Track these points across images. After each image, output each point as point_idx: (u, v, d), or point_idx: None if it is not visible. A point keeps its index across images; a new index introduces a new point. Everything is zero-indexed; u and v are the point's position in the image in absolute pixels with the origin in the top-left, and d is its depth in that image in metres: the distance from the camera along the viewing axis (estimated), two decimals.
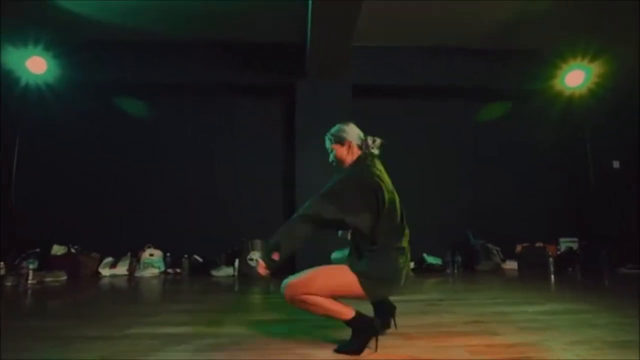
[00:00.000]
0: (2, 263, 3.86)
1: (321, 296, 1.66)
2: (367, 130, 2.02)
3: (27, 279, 4.00)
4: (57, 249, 4.66)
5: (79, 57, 4.72)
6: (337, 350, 1.70)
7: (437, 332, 2.08)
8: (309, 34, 4.32)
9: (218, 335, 2.07)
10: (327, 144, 2.02)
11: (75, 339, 2.04)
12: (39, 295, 3.54)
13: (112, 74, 4.94)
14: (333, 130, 2.00)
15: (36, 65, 4.42)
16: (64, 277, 4.37)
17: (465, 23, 4.67)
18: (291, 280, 1.68)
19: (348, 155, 1.96)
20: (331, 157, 2.00)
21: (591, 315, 2.46)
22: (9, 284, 3.88)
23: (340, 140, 1.97)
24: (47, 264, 4.54)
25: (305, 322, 2.29)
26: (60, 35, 4.59)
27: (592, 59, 4.80)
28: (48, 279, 4.22)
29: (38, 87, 4.61)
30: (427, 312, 2.60)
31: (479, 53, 5.16)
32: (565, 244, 5.23)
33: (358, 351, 1.68)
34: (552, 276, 4.55)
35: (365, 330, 1.74)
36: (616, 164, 5.30)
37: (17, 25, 4.36)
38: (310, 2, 3.61)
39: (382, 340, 1.89)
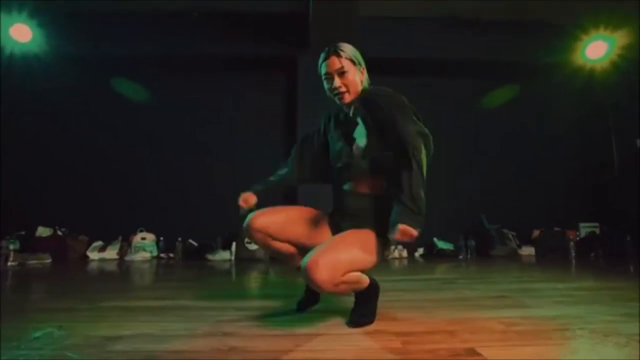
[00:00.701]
0: None
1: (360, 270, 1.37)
2: None
3: (7, 260, 3.72)
4: (42, 231, 4.37)
5: (68, 27, 4.44)
6: (356, 324, 1.39)
7: (460, 306, 1.77)
8: (311, 2, 4.04)
9: (192, 307, 1.77)
10: (336, 63, 1.49)
11: (37, 311, 1.76)
12: (17, 276, 3.25)
13: (103, 46, 4.64)
14: (347, 47, 1.52)
15: (21, 34, 4.14)
16: (48, 260, 4.08)
17: None
18: (326, 257, 1.24)
19: (359, 83, 1.53)
20: (336, 83, 1.49)
21: (630, 291, 2.13)
22: None
23: (358, 62, 1.54)
24: (31, 246, 4.25)
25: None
26: (47, 2, 4.31)
27: (615, 29, 4.45)
28: (31, 262, 3.93)
29: (24, 57, 4.32)
30: (444, 289, 2.28)
31: (492, 25, 4.82)
32: (586, 229, 4.88)
33: (374, 317, 1.44)
34: (574, 261, 4.21)
35: (375, 294, 1.46)
36: None
37: None
38: None
39: (400, 312, 1.59)
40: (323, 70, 1.53)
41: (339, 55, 1.49)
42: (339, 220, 1.53)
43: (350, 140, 1.52)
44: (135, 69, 5.01)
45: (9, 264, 3.73)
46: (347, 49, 1.51)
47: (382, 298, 1.51)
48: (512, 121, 5.25)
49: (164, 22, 4.72)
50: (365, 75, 1.58)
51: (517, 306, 1.76)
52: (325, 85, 1.55)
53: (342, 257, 1.28)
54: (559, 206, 5.13)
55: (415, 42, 4.89)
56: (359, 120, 1.52)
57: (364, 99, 1.53)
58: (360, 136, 1.49)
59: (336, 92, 1.50)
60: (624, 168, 4.88)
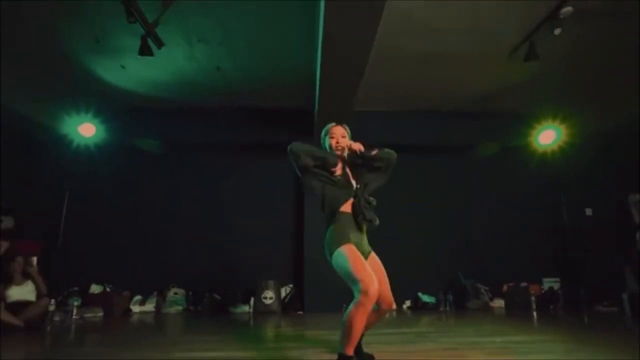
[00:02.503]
0: (52, 300, 4.46)
1: None
2: None
3: (72, 315, 4.60)
4: (95, 288, 5.28)
5: (119, 121, 5.53)
6: None
7: (418, 356, 2.66)
8: (316, 102, 5.12)
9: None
10: (345, 132, 2.40)
11: None
12: (84, 329, 4.14)
13: (148, 135, 5.77)
14: (346, 126, 2.44)
15: (86, 130, 5.24)
16: (101, 313, 4.96)
17: (453, 91, 5.45)
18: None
19: (347, 148, 2.38)
20: (342, 142, 2.33)
21: (546, 344, 3.03)
22: (56, 319, 4.48)
23: (350, 137, 2.43)
24: (86, 300, 5.13)
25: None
26: (104, 104, 5.46)
27: (562, 121, 5.56)
28: (88, 315, 4.81)
29: (86, 147, 5.41)
30: (415, 342, 3.17)
31: (466, 116, 5.93)
32: (548, 283, 5.77)
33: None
34: (535, 313, 5.07)
35: None
36: (589, 212, 5.95)
37: (71, 96, 5.23)
38: (318, 76, 4.32)
39: None
40: (330, 132, 2.39)
41: (344, 127, 2.43)
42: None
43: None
44: (174, 153, 6.12)
45: (73, 317, 4.62)
46: (347, 127, 2.46)
47: (365, 350, 2.40)
48: (484, 193, 6.26)
49: (194, 117, 5.84)
50: None
51: (460, 356, 2.66)
52: (328, 141, 2.39)
53: None
54: (527, 263, 6.01)
55: (400, 130, 5.97)
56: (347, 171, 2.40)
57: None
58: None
59: (338, 146, 2.35)
60: (577, 232, 5.84)
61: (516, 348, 2.90)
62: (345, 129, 2.43)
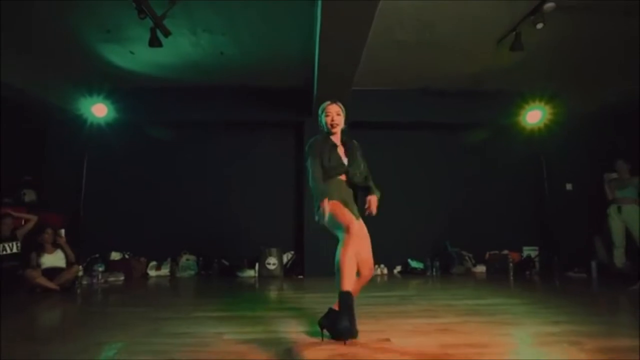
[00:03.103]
0: (80, 267, 5.03)
1: None
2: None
3: (98, 279, 5.19)
4: (115, 255, 5.84)
5: (129, 101, 5.85)
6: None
7: (397, 315, 3.18)
8: (315, 81, 5.40)
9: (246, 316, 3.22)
10: (340, 110, 2.57)
11: (160, 320, 3.16)
12: (112, 291, 4.73)
13: (157, 113, 6.12)
14: (341, 105, 2.59)
15: (99, 110, 5.58)
16: (122, 277, 5.54)
17: (446, 71, 5.72)
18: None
19: (342, 125, 2.59)
20: (337, 120, 2.52)
21: (510, 306, 3.57)
22: (85, 282, 5.07)
23: (345, 114, 2.61)
24: (107, 266, 5.70)
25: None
26: (114, 85, 5.78)
27: (547, 102, 5.86)
28: (111, 279, 5.40)
29: (99, 126, 5.78)
30: (399, 304, 3.70)
31: (455, 95, 6.21)
32: (527, 251, 6.31)
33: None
34: (511, 279, 5.64)
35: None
36: (569, 187, 6.40)
37: (84, 80, 5.56)
38: (317, 55, 4.55)
39: (361, 318, 3.01)
40: (326, 110, 2.55)
41: (339, 105, 2.59)
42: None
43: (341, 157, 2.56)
44: (181, 127, 6.50)
45: (100, 281, 5.20)
46: (342, 105, 2.62)
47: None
48: (472, 166, 6.67)
49: (202, 95, 6.16)
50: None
51: (432, 316, 3.18)
52: (324, 119, 2.55)
53: None
54: (509, 233, 6.50)
55: (392, 108, 6.28)
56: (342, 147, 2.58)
57: (348, 139, 2.64)
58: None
59: (333, 124, 2.53)
60: (557, 204, 6.31)
61: (483, 310, 3.43)
62: (340, 107, 2.59)
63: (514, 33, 4.32)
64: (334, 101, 2.61)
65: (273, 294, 4.67)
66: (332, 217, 2.35)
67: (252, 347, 2.34)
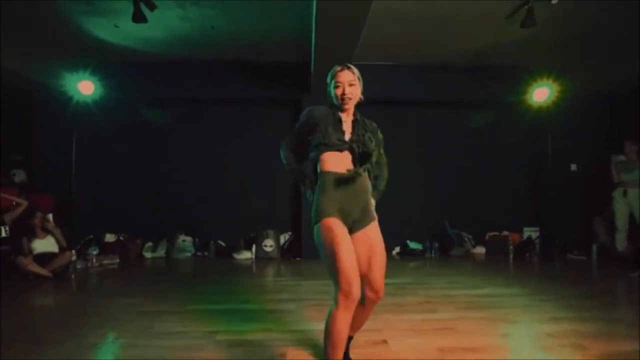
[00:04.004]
0: (73, 251, 4.93)
1: None
2: None
3: (92, 263, 5.12)
4: (109, 237, 5.75)
5: (119, 76, 5.57)
6: None
7: (393, 309, 3.10)
8: (313, 56, 5.12)
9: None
10: (355, 79, 1.89)
11: (154, 315, 3.08)
12: (107, 275, 4.67)
13: (145, 90, 5.85)
14: (356, 69, 1.91)
15: (85, 87, 5.31)
16: (117, 260, 5.48)
17: (449, 46, 5.41)
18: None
19: (358, 97, 1.93)
20: (350, 92, 1.86)
21: (507, 298, 3.51)
22: (79, 266, 4.99)
23: (361, 81, 1.94)
24: (102, 248, 5.62)
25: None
26: (101, 60, 5.49)
27: (555, 79, 5.58)
28: (106, 262, 5.33)
29: (85, 103, 5.52)
30: (395, 295, 3.63)
31: (462, 70, 5.93)
32: (527, 233, 6.22)
33: None
34: (511, 261, 5.58)
35: None
36: (573, 167, 6.23)
37: (68, 55, 5.26)
38: (314, 29, 4.26)
39: None
40: (336, 78, 1.87)
41: (352, 71, 1.89)
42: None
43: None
44: (173, 105, 6.25)
45: (94, 264, 5.13)
46: (357, 70, 1.92)
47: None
48: (474, 145, 6.47)
49: (194, 71, 5.86)
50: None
51: (430, 311, 3.11)
52: (333, 90, 1.89)
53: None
54: (510, 213, 6.40)
55: (393, 84, 5.98)
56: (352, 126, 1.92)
57: (363, 119, 1.99)
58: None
59: (345, 97, 1.86)
60: (560, 185, 6.16)
61: (481, 302, 3.37)
62: (355, 74, 1.91)
63: (526, 8, 4.01)
64: (346, 66, 1.91)
65: (269, 280, 4.61)
66: (324, 254, 1.74)
67: (244, 349, 2.30)
